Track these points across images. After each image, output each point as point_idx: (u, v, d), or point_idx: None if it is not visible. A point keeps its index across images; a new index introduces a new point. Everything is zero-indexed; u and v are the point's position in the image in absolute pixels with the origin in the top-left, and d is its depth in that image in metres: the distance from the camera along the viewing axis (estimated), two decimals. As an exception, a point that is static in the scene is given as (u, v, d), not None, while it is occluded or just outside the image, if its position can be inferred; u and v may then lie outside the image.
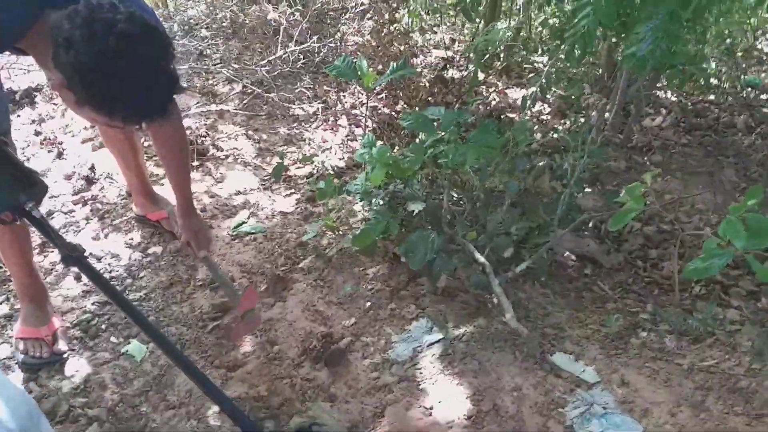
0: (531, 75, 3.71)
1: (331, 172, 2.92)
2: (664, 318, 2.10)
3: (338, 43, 3.67)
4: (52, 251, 2.52)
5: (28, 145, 3.15)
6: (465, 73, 3.67)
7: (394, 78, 2.40)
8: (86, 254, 1.62)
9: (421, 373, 1.97)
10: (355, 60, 2.40)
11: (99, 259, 2.49)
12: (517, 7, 3.69)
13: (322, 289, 2.32)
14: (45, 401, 1.93)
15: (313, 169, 2.90)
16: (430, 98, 3.38)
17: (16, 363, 2.06)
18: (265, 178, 2.86)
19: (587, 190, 2.66)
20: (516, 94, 3.65)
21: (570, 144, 2.35)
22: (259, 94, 3.44)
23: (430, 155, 2.17)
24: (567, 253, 2.44)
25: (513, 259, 2.30)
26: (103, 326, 2.21)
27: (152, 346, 2.13)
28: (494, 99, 3.55)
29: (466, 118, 2.35)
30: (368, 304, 2.23)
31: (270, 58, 3.56)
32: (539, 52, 3.77)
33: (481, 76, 3.64)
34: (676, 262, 2.27)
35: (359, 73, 2.36)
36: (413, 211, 2.11)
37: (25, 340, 2.05)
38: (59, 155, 3.09)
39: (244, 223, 2.65)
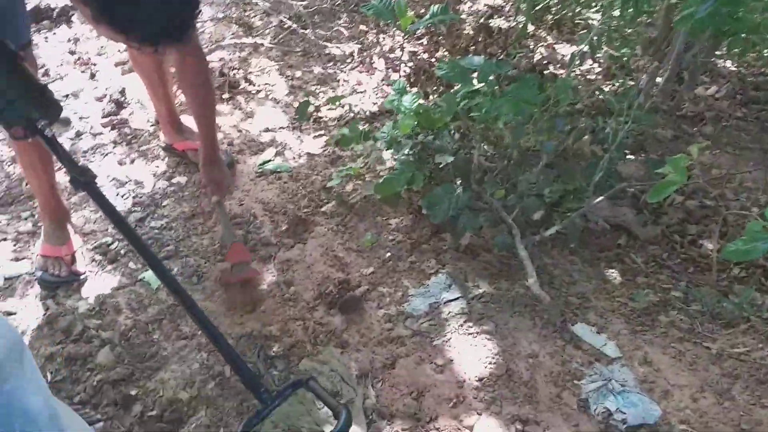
0: (583, 31, 3.51)
1: (362, 117, 2.83)
2: (697, 298, 2.01)
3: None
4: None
5: (62, 64, 3.12)
6: (513, 24, 3.50)
7: (435, 23, 2.28)
8: (96, 179, 1.57)
9: (435, 329, 1.92)
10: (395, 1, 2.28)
11: (123, 185, 2.47)
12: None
13: (343, 235, 2.27)
14: (61, 319, 1.94)
15: (345, 111, 2.81)
16: (472, 47, 3.23)
17: (36, 279, 2.07)
18: (295, 117, 2.78)
19: (629, 157, 2.52)
20: (565, 50, 3.47)
21: (615, 107, 2.22)
22: (295, 30, 3.34)
23: (464, 107, 2.06)
24: (601, 221, 2.33)
25: (542, 223, 2.21)
26: (123, 251, 2.20)
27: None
28: (541, 53, 3.38)
29: (507, 71, 2.22)
30: (388, 254, 2.18)
31: (311, -7, 3.44)
32: (594, 7, 3.56)
33: (530, 28, 3.47)
34: (716, 240, 2.15)
35: (397, 13, 2.24)
36: (441, 163, 2.02)
37: (45, 257, 2.06)
38: (92, 76, 3.06)
39: (270, 161, 2.60)
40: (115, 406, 1.73)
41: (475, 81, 2.12)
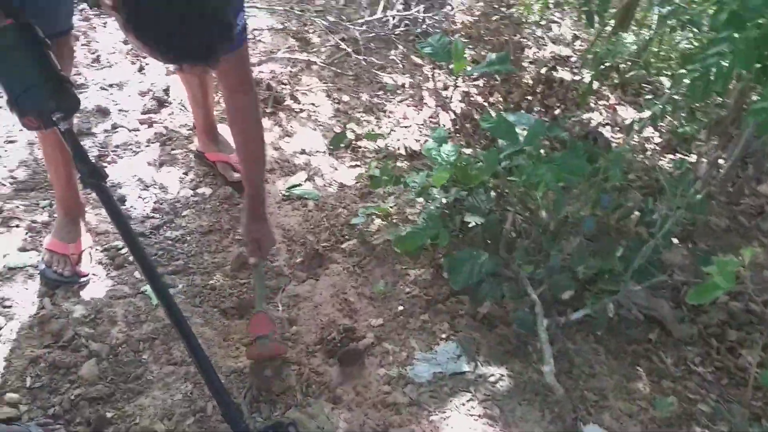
0: (649, 96, 3.35)
1: (401, 154, 2.73)
2: (725, 417, 1.83)
3: (444, 18, 3.41)
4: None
5: (114, 53, 3.10)
6: (577, 78, 3.35)
7: (490, 72, 2.16)
8: (107, 180, 1.50)
9: (435, 402, 1.79)
10: (452, 41, 2.17)
11: (147, 187, 2.41)
12: (652, 19, 3.31)
13: (357, 278, 2.16)
14: (54, 322, 1.88)
15: (385, 144, 2.71)
16: (529, 96, 3.11)
17: (39, 273, 2.01)
18: (330, 146, 2.69)
19: (675, 240, 2.35)
20: (627, 113, 3.32)
21: (669, 190, 2.06)
22: (350, 53, 3.26)
23: (505, 167, 1.93)
24: (635, 309, 2.16)
25: (570, 302, 2.06)
26: (131, 258, 2.13)
27: (172, 292, 2.04)
28: (601, 112, 3.23)
29: (557, 134, 2.09)
30: (400, 308, 2.05)
31: (369, 18, 3.35)
32: (664, 74, 3.40)
33: (595, 85, 3.32)
34: (757, 353, 1.97)
35: (453, 56, 2.13)
36: (470, 223, 1.90)
37: (51, 252, 2.00)
38: (140, 69, 3.02)
39: (299, 185, 2.51)
40: (87, 426, 1.64)
41: (521, 139, 2.00)
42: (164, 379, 1.80)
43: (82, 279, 2.00)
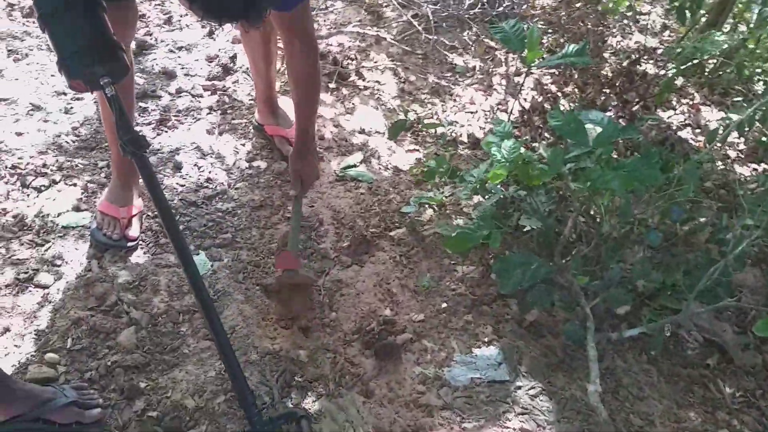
0: (738, 99, 3.10)
1: (465, 141, 2.62)
2: (782, 460, 1.69)
3: (524, 1, 3.24)
4: (161, 133, 2.47)
5: (187, 15, 3.10)
6: (661, 72, 3.14)
7: (565, 63, 2.03)
8: (147, 149, 1.49)
9: (470, 409, 1.72)
10: (527, 27, 2.04)
11: (204, 156, 2.41)
12: (751, 17, 3.04)
13: (403, 269, 2.09)
14: (99, 285, 1.90)
15: (447, 130, 2.61)
16: (607, 89, 2.92)
17: (89, 234, 2.04)
18: (390, 130, 2.61)
19: (748, 263, 2.18)
20: (711, 114, 3.09)
21: (747, 208, 1.90)
22: (420, 32, 3.14)
23: (570, 169, 1.81)
24: (695, 331, 2.02)
25: (625, 317, 1.94)
26: (181, 227, 2.13)
27: (216, 265, 2.04)
28: (683, 112, 3.02)
29: (632, 137, 1.95)
30: (444, 305, 1.98)
31: (446, -3, 3.23)
32: (758, 77, 3.13)
33: (678, 81, 3.10)
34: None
35: (526, 44, 2.00)
36: (525, 226, 1.79)
37: (103, 214, 2.03)
38: (210, 33, 3.02)
39: (354, 166, 2.45)
40: (120, 394, 1.66)
41: (591, 139, 1.87)
42: (199, 354, 1.79)
43: (130, 243, 2.02)
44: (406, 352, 1.86)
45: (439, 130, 2.54)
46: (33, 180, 2.16)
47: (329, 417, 1.69)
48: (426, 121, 2.58)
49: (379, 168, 2.48)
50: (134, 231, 2.04)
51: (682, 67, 2.67)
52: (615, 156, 2.01)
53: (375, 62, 2.95)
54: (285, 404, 1.71)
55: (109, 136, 2.04)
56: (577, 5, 2.82)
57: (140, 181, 2.13)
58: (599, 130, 1.91)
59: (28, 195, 2.13)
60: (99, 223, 2.02)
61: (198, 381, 1.72)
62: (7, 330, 1.76)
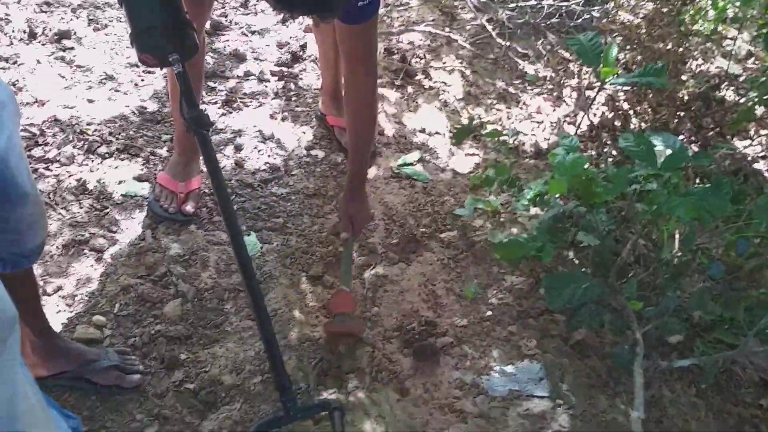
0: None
1: (527, 151, 2.57)
2: None
3: (604, 14, 3.15)
4: (226, 114, 2.51)
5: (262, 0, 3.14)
6: (741, 100, 3.00)
7: (640, 83, 1.96)
8: (210, 128, 1.50)
9: (505, 421, 1.67)
10: (605, 42, 1.98)
11: (264, 140, 2.43)
12: None
13: (450, 272, 2.06)
14: (150, 255, 1.94)
15: (511, 139, 2.56)
16: (681, 113, 2.82)
17: (147, 204, 2.09)
18: (457, 127, 2.58)
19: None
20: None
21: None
22: (493, 36, 3.10)
23: (635, 190, 1.75)
24: (750, 368, 1.92)
25: (677, 346, 1.86)
26: (235, 206, 2.15)
27: (265, 248, 2.05)
28: (761, 143, 2.88)
29: (704, 164, 1.87)
30: (488, 313, 1.94)
31: (522, 3, 3.17)
32: None
33: (758, 111, 2.96)
34: None
35: (602, 60, 1.95)
36: (581, 243, 1.74)
37: (162, 187, 2.07)
38: (283, 21, 3.05)
39: (411, 164, 2.43)
40: (160, 363, 1.69)
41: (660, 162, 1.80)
42: (241, 333, 1.81)
43: (185, 218, 2.05)
44: (445, 355, 1.83)
45: (503, 138, 2.50)
46: (98, 147, 2.22)
47: (362, 410, 1.68)
48: (489, 128, 2.54)
49: (436, 169, 2.45)
50: (190, 206, 2.07)
51: (765, 97, 2.54)
52: (683, 182, 1.93)
53: (444, 63, 2.93)
54: (319, 393, 1.70)
55: (175, 111, 2.08)
56: (660, 24, 2.72)
57: (201, 158, 2.17)
58: (669, 152, 1.84)
59: (92, 161, 2.19)
60: (157, 195, 2.06)
61: (237, 359, 1.73)
62: (59, 288, 1.82)
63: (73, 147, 2.21)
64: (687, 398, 1.82)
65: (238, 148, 2.38)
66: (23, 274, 1.32)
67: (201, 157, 2.15)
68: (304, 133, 2.50)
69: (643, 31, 2.73)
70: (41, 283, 1.79)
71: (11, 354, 0.83)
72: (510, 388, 1.74)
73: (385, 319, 1.92)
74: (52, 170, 2.13)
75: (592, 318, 1.76)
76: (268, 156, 2.37)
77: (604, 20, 3.07)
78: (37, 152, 2.17)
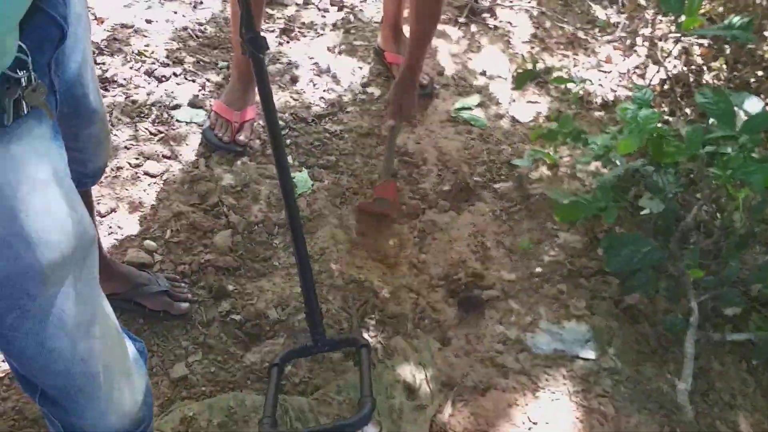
0: None
1: (593, 102, 2.45)
2: None
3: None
4: (283, 43, 2.45)
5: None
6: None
7: (726, 36, 1.82)
8: (266, 52, 1.43)
9: (548, 379, 1.66)
10: (693, -10, 1.84)
11: (320, 73, 2.38)
12: None
13: (502, 225, 2.02)
14: (203, 184, 1.94)
15: (575, 87, 2.44)
16: (761, 73, 2.64)
17: (201, 132, 2.07)
18: (520, 71, 2.47)
19: None
20: None
21: None
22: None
23: (709, 152, 1.65)
24: (806, 347, 1.85)
25: (732, 319, 1.80)
26: (288, 141, 2.13)
27: (317, 185, 2.03)
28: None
29: (787, 130, 1.75)
30: (538, 269, 1.90)
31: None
32: None
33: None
34: None
35: (686, 7, 1.81)
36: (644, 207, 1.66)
37: (217, 115, 2.04)
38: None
39: (469, 108, 2.35)
40: (208, 293, 1.70)
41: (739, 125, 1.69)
42: (288, 269, 1.81)
43: (239, 148, 2.03)
44: (490, 309, 1.81)
45: (569, 86, 2.38)
46: (155, 69, 2.20)
47: (402, 355, 1.67)
48: (555, 74, 2.42)
49: (495, 115, 2.37)
50: (244, 136, 2.04)
51: None
52: (760, 148, 1.82)
53: (511, 1, 2.78)
54: (362, 334, 1.70)
55: (234, 36, 2.03)
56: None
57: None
58: (748, 116, 1.73)
59: (149, 83, 2.18)
60: (212, 123, 2.04)
61: (283, 294, 1.74)
62: (113, 210, 1.84)
63: (131, 68, 2.20)
64: (736, 373, 1.77)
65: (294, 80, 2.33)
66: (81, 194, 1.33)
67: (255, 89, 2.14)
68: (360, 68, 2.43)
69: (733, -22, 2.54)
70: (95, 204, 1.81)
71: (91, 274, 0.84)
72: (555, 348, 1.71)
73: (431, 267, 1.89)
74: (109, 90, 2.13)
75: (648, 283, 1.71)
76: (324, 90, 2.32)
77: (689, -35, 2.85)
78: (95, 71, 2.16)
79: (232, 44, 2.15)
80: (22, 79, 0.68)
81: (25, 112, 0.69)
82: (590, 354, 1.69)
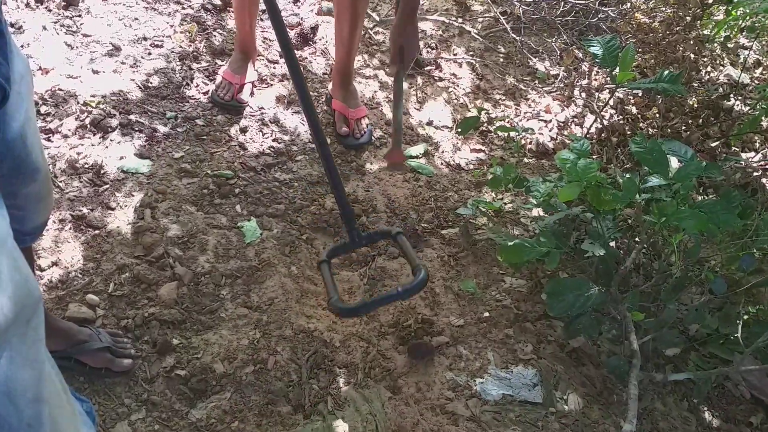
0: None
1: (533, 149, 2.54)
2: None
3: (620, 16, 3.11)
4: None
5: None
6: (749, 110, 2.98)
7: (657, 89, 1.93)
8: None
9: (497, 425, 1.66)
10: (622, 46, 1.94)
11: (268, 123, 2.39)
12: None
13: (450, 270, 2.05)
14: (149, 235, 1.91)
15: (517, 135, 2.53)
16: (690, 121, 2.79)
17: (208, 96, 2.39)
18: (458, 128, 2.55)
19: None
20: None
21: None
22: (506, 31, 3.05)
23: (644, 199, 1.73)
24: (742, 385, 1.92)
25: (672, 360, 1.86)
26: (236, 191, 2.13)
27: (266, 234, 2.02)
28: (765, 155, 2.86)
29: (714, 176, 1.84)
30: (486, 314, 1.93)
31: (541, 0, 3.12)
32: None
33: (766, 122, 2.94)
34: None
35: (619, 63, 1.91)
36: (587, 252, 1.72)
37: (223, 79, 2.40)
38: (295, 1, 3.00)
39: (416, 157, 2.40)
40: (152, 347, 1.66)
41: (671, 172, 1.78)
42: (236, 321, 1.79)
43: (239, 105, 2.38)
44: (440, 355, 1.82)
45: (512, 134, 2.47)
46: (101, 120, 2.18)
47: (353, 407, 1.67)
48: (498, 123, 2.51)
49: (441, 163, 2.42)
50: (245, 95, 2.40)
51: (774, 107, 2.52)
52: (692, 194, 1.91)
53: (455, 54, 2.88)
54: (311, 385, 1.69)
55: (238, 20, 2.39)
56: (676, 29, 2.68)
57: (255, 61, 2.52)
58: (679, 163, 1.82)
59: (93, 134, 2.15)
60: (217, 85, 2.39)
61: (230, 347, 1.71)
62: (54, 264, 1.79)
63: (75, 119, 2.17)
64: (678, 412, 1.82)
65: (243, 130, 2.34)
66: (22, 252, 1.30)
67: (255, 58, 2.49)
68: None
69: (659, 35, 2.69)
70: (35, 257, 1.77)
71: (37, 335, 0.81)
72: (503, 393, 1.73)
73: (381, 314, 1.90)
74: (52, 141, 2.10)
75: (591, 326, 1.75)
76: (272, 140, 2.34)
77: (620, 21, 3.03)
78: (38, 123, 2.12)
79: (237, 25, 2.43)
80: None
81: None
82: (538, 398, 1.71)
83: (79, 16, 2.57)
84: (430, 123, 2.56)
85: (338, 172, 1.56)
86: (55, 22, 2.51)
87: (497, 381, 1.76)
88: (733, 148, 2.77)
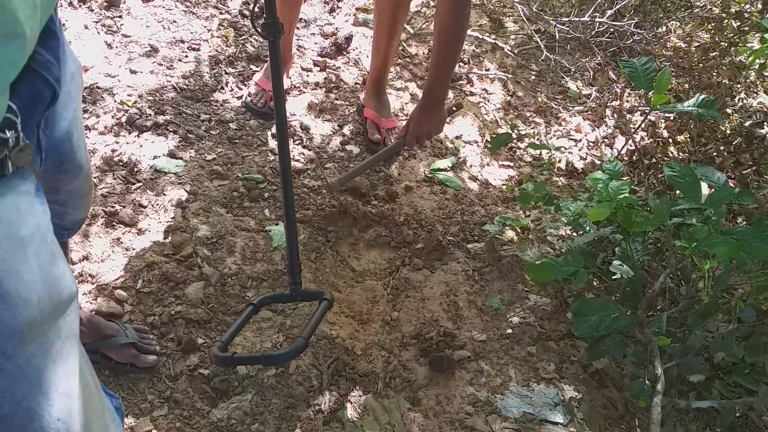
0: None
1: (562, 168, 2.54)
2: None
3: (655, 39, 3.10)
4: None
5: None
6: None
7: (692, 114, 1.92)
8: (279, 37, 1.55)
9: (515, 442, 1.65)
10: (658, 69, 1.94)
11: (300, 130, 2.41)
12: None
13: (474, 285, 2.04)
14: (179, 234, 1.93)
15: (548, 153, 2.53)
16: (722, 147, 2.77)
17: (243, 102, 2.43)
18: (494, 135, 2.55)
19: None
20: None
21: None
22: (540, 48, 3.06)
23: (675, 223, 1.71)
24: (766, 417, 1.88)
25: (695, 387, 1.83)
26: (266, 195, 2.15)
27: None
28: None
29: (747, 204, 1.82)
30: (509, 331, 1.92)
31: (574, 18, 3.12)
32: None
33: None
34: None
35: (654, 87, 1.91)
36: (615, 273, 1.71)
37: (258, 86, 2.43)
38: (331, 11, 3.03)
39: (444, 170, 2.41)
40: (177, 345, 1.68)
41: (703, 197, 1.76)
42: (260, 323, 1.80)
43: (271, 111, 2.21)
44: (461, 369, 1.81)
45: (543, 152, 2.46)
46: (137, 119, 2.22)
47: (372, 416, 1.66)
48: (529, 141, 2.50)
49: (469, 177, 2.42)
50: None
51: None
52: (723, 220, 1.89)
53: (486, 70, 2.89)
54: (331, 392, 1.69)
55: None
56: (712, 54, 2.67)
57: (289, 69, 2.56)
58: (710, 189, 1.81)
59: (129, 133, 2.19)
60: (251, 92, 2.43)
61: (254, 349, 1.72)
62: (85, 258, 1.82)
63: (111, 117, 2.21)
64: (701, 440, 1.79)
65: (275, 136, 2.36)
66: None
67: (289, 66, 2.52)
68: (340, 126, 2.48)
69: (695, 59, 2.68)
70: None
71: (71, 330, 0.82)
72: (524, 411, 1.72)
73: (404, 325, 1.90)
74: (89, 138, 2.14)
75: (615, 348, 1.73)
76: (303, 147, 2.36)
77: (655, 44, 3.01)
78: (76, 119, 2.17)
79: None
80: (10, 140, 0.68)
81: (10, 171, 0.69)
82: (559, 418, 1.69)
83: (120, 16, 2.62)
84: (459, 137, 2.57)
85: (296, 225, 1.64)
86: (97, 22, 2.56)
87: (518, 398, 1.74)
88: (765, 176, 2.74)
